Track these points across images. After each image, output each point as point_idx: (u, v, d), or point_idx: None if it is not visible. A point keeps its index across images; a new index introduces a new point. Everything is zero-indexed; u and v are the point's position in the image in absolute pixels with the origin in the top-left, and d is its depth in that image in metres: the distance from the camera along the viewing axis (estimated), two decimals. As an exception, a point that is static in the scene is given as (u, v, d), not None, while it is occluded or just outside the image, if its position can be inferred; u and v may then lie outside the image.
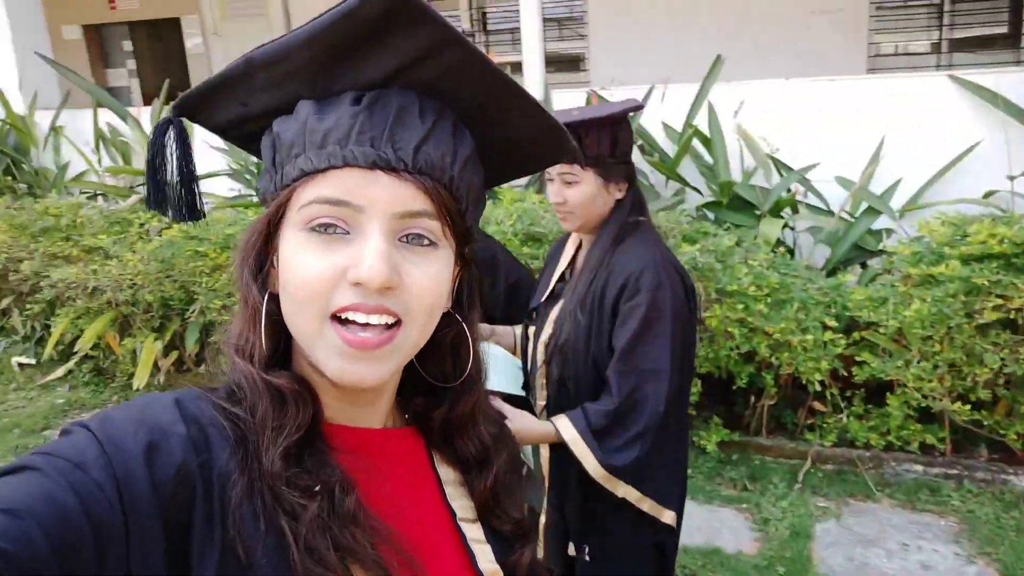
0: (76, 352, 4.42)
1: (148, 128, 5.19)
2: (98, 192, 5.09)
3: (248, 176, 4.95)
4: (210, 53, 8.96)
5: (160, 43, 9.66)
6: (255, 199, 4.97)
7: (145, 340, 4.07)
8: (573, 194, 1.68)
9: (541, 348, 1.77)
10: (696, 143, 4.43)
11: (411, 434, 0.73)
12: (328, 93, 0.62)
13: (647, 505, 1.67)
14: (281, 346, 0.65)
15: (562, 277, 1.86)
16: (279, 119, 0.64)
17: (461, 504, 0.72)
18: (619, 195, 1.73)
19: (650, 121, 4.56)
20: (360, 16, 0.58)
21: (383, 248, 0.58)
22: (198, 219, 0.73)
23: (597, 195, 1.69)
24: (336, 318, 0.59)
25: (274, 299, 0.63)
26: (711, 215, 4.14)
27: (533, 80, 4.84)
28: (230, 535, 0.55)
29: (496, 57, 7.39)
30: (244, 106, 0.65)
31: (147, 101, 5.65)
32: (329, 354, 0.60)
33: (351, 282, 0.58)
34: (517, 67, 5.21)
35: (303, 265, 0.59)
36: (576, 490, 1.73)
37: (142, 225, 4.38)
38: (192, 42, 9.15)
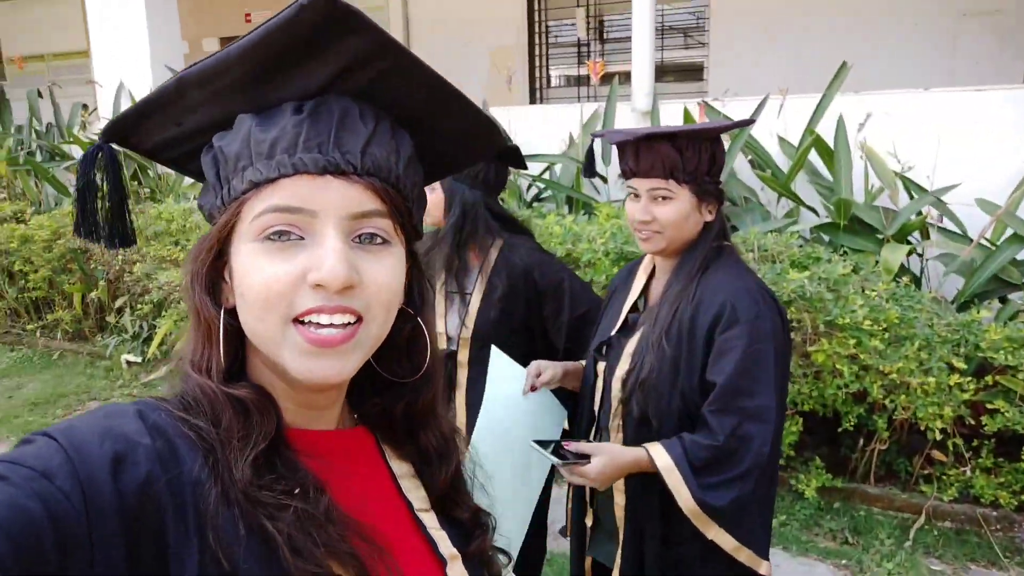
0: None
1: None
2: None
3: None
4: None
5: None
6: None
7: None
8: (665, 212, 1.57)
9: (617, 384, 1.63)
10: (814, 159, 4.08)
11: (362, 433, 0.76)
12: (266, 106, 0.64)
13: (744, 556, 1.52)
14: (237, 358, 0.66)
15: (635, 307, 1.74)
16: (219, 135, 0.65)
17: (416, 496, 0.75)
18: (709, 217, 1.61)
19: (765, 134, 4.25)
20: (297, 26, 0.59)
21: (341, 249, 0.60)
22: (129, 246, 0.73)
23: (690, 215, 1.58)
24: (298, 321, 0.61)
25: (228, 313, 0.65)
26: (826, 238, 3.79)
27: (642, 90, 4.63)
28: (209, 543, 0.56)
29: (609, 67, 7.21)
30: (179, 126, 0.66)
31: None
32: (294, 355, 0.61)
33: (312, 284, 0.60)
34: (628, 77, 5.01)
35: (261, 273, 0.60)
36: (656, 532, 1.59)
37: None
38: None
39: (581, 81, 8.44)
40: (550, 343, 2.13)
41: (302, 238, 0.61)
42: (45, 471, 0.52)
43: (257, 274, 0.61)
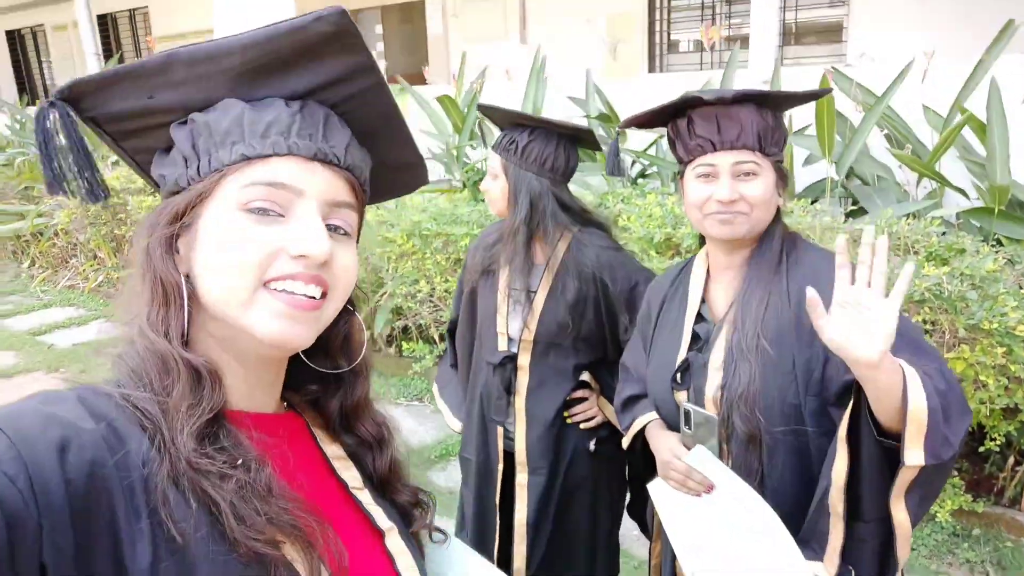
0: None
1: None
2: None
3: (445, 161, 4.91)
4: (448, 34, 9.21)
5: (407, 26, 10.17)
6: (455, 183, 4.92)
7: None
8: (752, 190, 1.35)
9: (710, 406, 1.41)
10: (966, 133, 3.53)
11: (293, 417, 0.80)
12: (251, 97, 0.68)
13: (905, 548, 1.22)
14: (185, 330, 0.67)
15: (699, 318, 1.50)
16: (200, 113, 0.68)
17: (349, 475, 0.78)
18: (780, 202, 1.42)
19: (905, 104, 3.73)
20: (307, 34, 0.65)
21: (323, 226, 0.66)
22: (99, 200, 0.73)
23: (772, 195, 1.38)
24: (267, 287, 0.65)
25: (186, 279, 0.67)
26: (976, 224, 3.27)
27: (762, 54, 4.20)
28: (161, 521, 0.57)
29: (740, 30, 6.67)
30: (150, 98, 0.68)
31: (391, 81, 5.88)
32: (263, 316, 0.65)
33: (294, 255, 0.64)
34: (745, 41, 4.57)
35: (240, 238, 0.64)
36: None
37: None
38: (433, 24, 9.47)
39: (705, 47, 7.89)
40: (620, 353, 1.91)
41: (282, 215, 0.66)
42: None
43: (234, 239, 0.64)
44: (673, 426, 1.52)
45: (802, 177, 4.03)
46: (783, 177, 1.40)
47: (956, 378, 1.23)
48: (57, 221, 5.91)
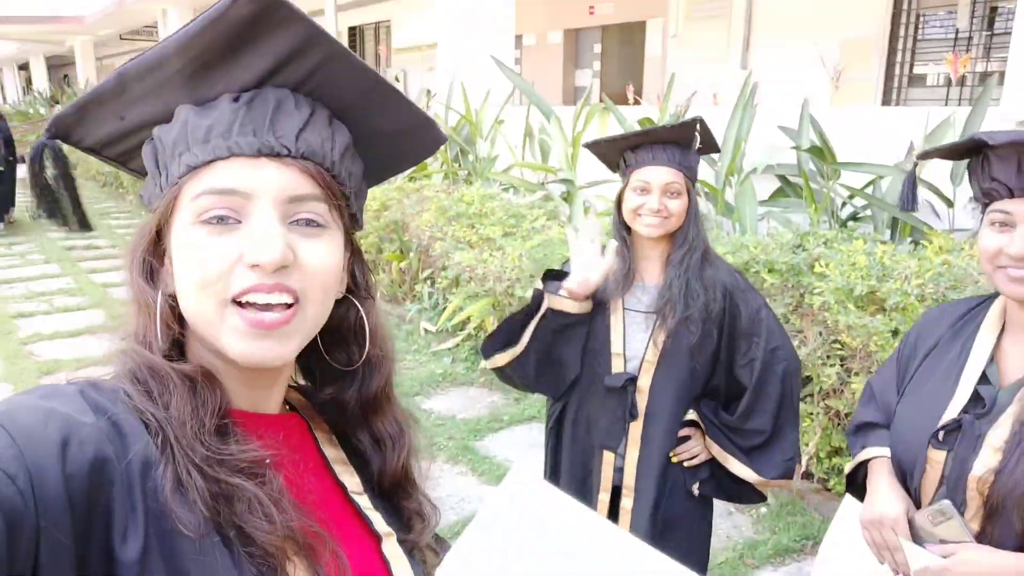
0: (464, 330, 4.83)
1: (568, 128, 5.37)
2: (513, 185, 5.48)
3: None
4: (666, 56, 9.04)
5: (626, 46, 10.13)
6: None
7: (511, 331, 4.20)
8: None
9: (974, 484, 1.24)
10: None
11: (296, 419, 0.78)
12: (205, 98, 0.65)
13: None
14: (178, 341, 0.67)
15: (983, 379, 1.31)
16: (159, 127, 0.66)
17: (349, 480, 0.77)
18: None
19: None
20: (228, 20, 0.61)
21: (275, 229, 0.61)
22: (89, 231, 0.75)
23: None
24: (236, 303, 0.62)
25: (171, 298, 0.66)
26: None
27: (1019, 90, 3.62)
28: (160, 521, 0.56)
29: (996, 65, 5.86)
30: (122, 119, 0.68)
31: (600, 100, 5.89)
32: (232, 337, 0.62)
33: (248, 265, 0.61)
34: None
35: (198, 255, 0.62)
36: None
37: (534, 221, 4.53)
38: (652, 45, 9.34)
39: (957, 82, 7.03)
40: (732, 380, 1.86)
41: (239, 221, 0.62)
42: None
43: (194, 256, 0.62)
44: (906, 479, 1.37)
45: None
46: None
47: None
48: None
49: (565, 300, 1.80)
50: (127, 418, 0.59)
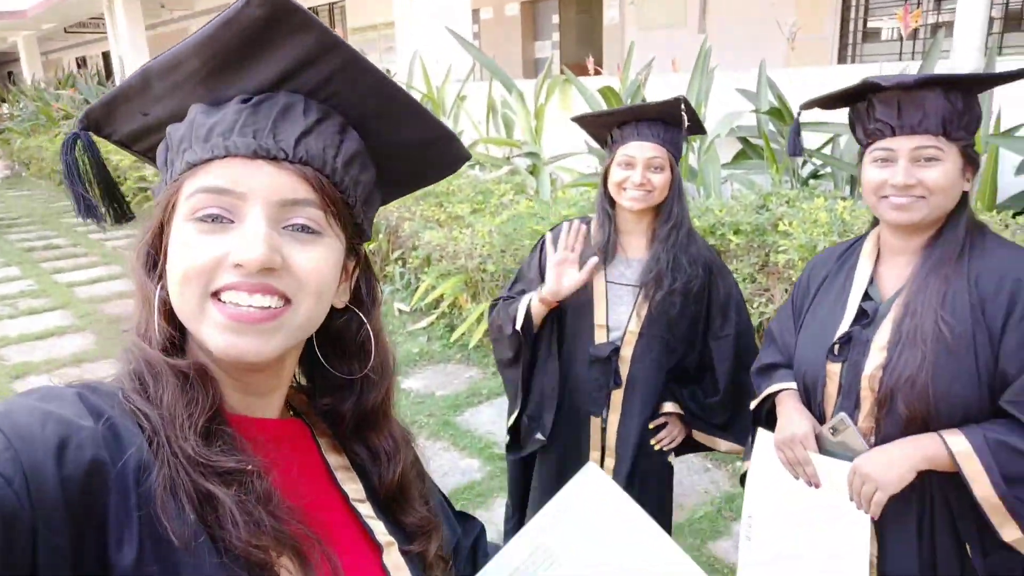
0: (438, 308, 4.85)
1: (530, 102, 5.37)
2: (479, 161, 5.48)
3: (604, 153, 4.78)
4: (624, 24, 9.02)
5: (584, 15, 10.09)
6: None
7: (484, 305, 4.24)
8: (932, 175, 1.35)
9: (866, 383, 1.43)
10: None
11: (298, 424, 0.78)
12: (220, 99, 0.66)
13: None
14: (178, 339, 0.67)
15: (867, 297, 1.52)
16: (172, 124, 0.67)
17: (351, 487, 0.76)
18: (967, 186, 1.40)
19: None
20: (241, 21, 0.61)
21: (263, 231, 0.61)
22: (126, 222, 0.75)
23: (956, 181, 1.37)
24: (216, 298, 0.62)
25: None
26: None
27: (967, 43, 3.70)
28: (150, 523, 0.56)
29: (950, 17, 5.96)
30: (145, 116, 0.69)
31: (561, 71, 5.87)
32: (211, 330, 0.62)
33: (233, 264, 0.61)
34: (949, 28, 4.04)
35: (186, 250, 0.62)
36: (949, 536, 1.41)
37: (502, 196, 4.55)
38: (609, 14, 9.32)
39: (909, 36, 7.13)
40: (705, 351, 1.96)
41: (232, 221, 0.62)
42: None
43: (182, 252, 0.62)
44: (811, 397, 1.55)
45: (1009, 186, 3.51)
46: (972, 162, 1.38)
47: None
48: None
49: (538, 306, 1.87)
50: (123, 422, 0.59)
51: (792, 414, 1.55)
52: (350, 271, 0.73)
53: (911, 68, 3.94)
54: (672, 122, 1.82)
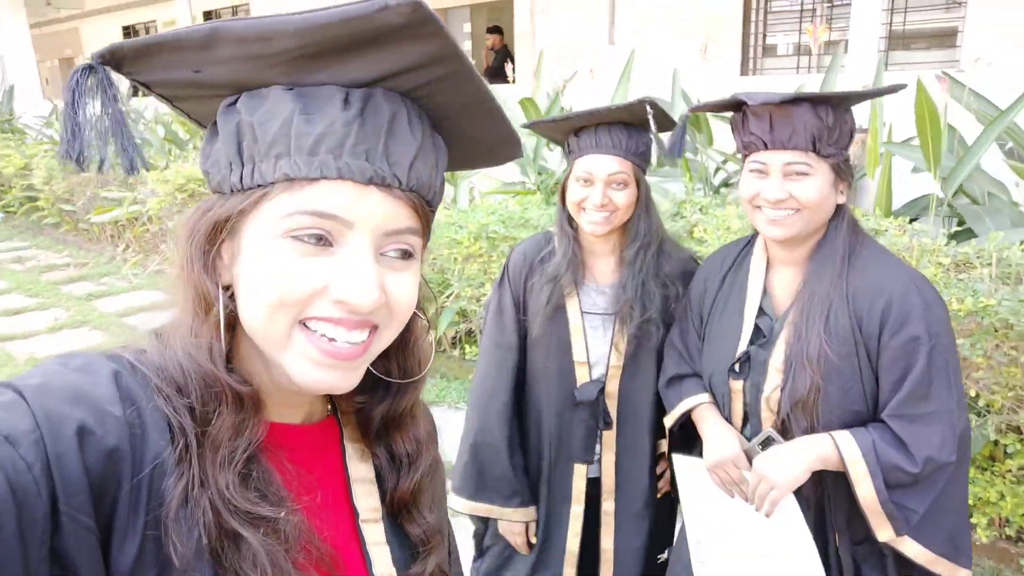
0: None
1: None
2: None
3: (528, 167, 4.77)
4: (535, 32, 9.10)
5: (495, 24, 10.12)
6: (529, 186, 4.81)
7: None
8: (803, 189, 1.37)
9: (764, 405, 1.46)
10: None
11: (329, 426, 0.74)
12: (303, 83, 0.61)
13: (942, 568, 1.38)
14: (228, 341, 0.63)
15: (761, 311, 1.52)
16: (248, 100, 0.61)
17: (365, 504, 0.73)
18: (841, 199, 1.42)
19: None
20: (368, 23, 0.57)
21: (374, 270, 0.59)
22: (136, 172, 0.67)
23: (828, 194, 1.39)
24: (305, 325, 0.59)
25: (224, 290, 0.62)
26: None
27: (862, 58, 3.90)
28: (155, 528, 0.54)
29: (842, 34, 6.30)
30: (196, 73, 0.62)
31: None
32: (299, 361, 0.60)
33: (335, 300, 0.58)
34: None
35: (282, 274, 0.58)
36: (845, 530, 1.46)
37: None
38: (521, 21, 9.38)
39: (804, 51, 7.49)
40: None
41: (331, 245, 0.59)
42: (9, 435, 0.49)
43: (276, 273, 0.58)
44: (723, 410, 1.56)
45: (903, 192, 3.71)
46: (845, 176, 1.41)
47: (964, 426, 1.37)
48: (149, 208, 6.13)
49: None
50: (153, 416, 0.57)
51: (719, 434, 1.54)
52: None
53: (811, 82, 4.12)
54: (636, 126, 1.59)
